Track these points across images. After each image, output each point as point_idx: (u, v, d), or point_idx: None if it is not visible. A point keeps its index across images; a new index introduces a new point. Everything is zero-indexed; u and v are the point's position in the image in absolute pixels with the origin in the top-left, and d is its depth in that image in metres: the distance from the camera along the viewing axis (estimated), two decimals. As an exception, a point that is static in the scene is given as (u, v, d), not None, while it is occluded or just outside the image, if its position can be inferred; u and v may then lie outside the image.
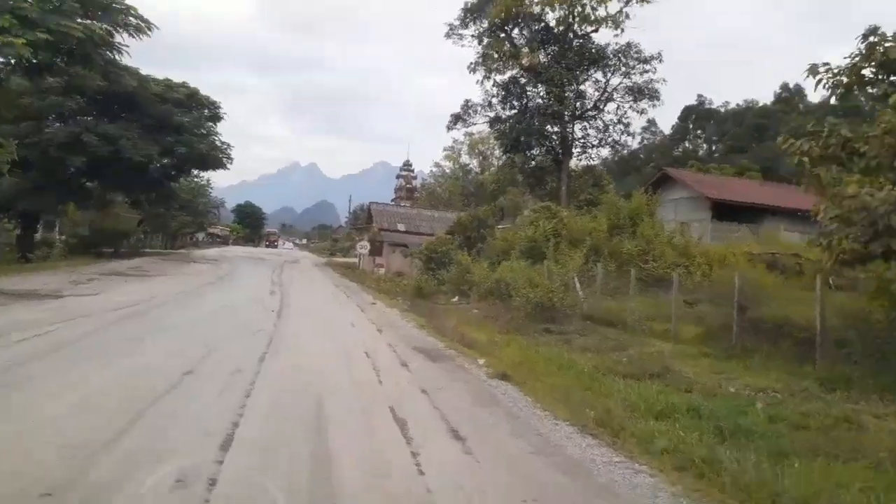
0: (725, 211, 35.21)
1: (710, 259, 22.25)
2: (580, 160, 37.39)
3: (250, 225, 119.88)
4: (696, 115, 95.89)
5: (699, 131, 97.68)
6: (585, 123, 36.47)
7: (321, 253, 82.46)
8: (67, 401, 6.05)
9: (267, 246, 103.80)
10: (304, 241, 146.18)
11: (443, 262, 29.99)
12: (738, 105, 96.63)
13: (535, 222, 27.06)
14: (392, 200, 76.25)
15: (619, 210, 25.48)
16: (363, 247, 37.89)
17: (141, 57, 49.37)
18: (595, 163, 38.36)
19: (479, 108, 37.00)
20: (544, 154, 36.36)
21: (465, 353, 10.94)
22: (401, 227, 42.78)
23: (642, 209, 25.45)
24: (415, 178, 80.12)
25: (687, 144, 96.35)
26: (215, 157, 38.66)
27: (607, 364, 10.28)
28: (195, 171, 46.09)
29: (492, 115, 37.03)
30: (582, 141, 36.57)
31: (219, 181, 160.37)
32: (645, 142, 71.19)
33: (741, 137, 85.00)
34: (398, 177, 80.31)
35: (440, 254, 30.67)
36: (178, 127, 35.31)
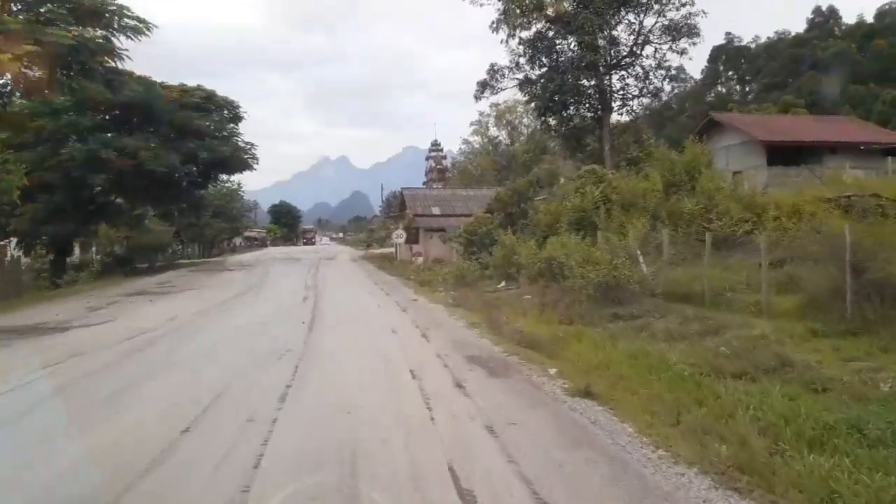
0: (781, 154, 32.45)
1: (782, 210, 20.01)
2: (621, 114, 34.72)
3: (287, 224, 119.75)
4: (726, 56, 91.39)
5: (731, 72, 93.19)
6: (623, 72, 33.57)
7: (357, 246, 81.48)
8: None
9: (305, 244, 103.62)
10: (341, 234, 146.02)
11: (484, 244, 28.36)
12: (769, 38, 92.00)
13: (581, 189, 25.16)
14: (424, 184, 74.62)
15: (672, 165, 23.33)
16: (398, 236, 36.24)
17: (160, 72, 48.09)
18: (633, 116, 35.43)
19: (505, 72, 34.38)
20: (582, 112, 33.82)
21: (531, 360, 9.13)
22: (435, 210, 41.02)
23: (699, 161, 23.21)
24: (444, 157, 78.16)
25: (720, 88, 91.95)
26: (240, 159, 37.50)
27: (705, 357, 8.36)
28: (223, 176, 44.87)
29: (520, 76, 34.45)
30: (621, 93, 33.77)
31: (253, 184, 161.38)
32: (675, 90, 67.54)
33: (777, 73, 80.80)
34: (427, 158, 78.46)
35: (480, 235, 28.95)
36: (198, 132, 34.14)
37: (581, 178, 27.25)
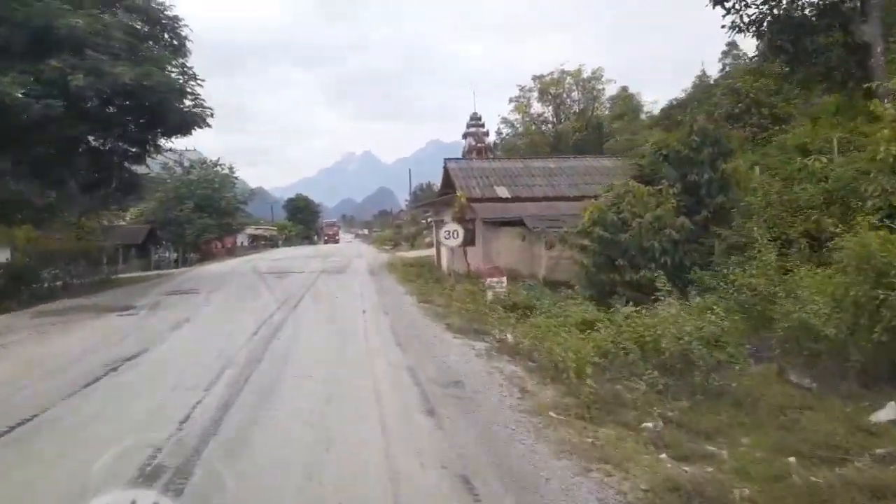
0: None
1: None
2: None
3: (304, 220, 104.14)
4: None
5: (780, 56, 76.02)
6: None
7: (382, 245, 65.76)
8: None
9: (326, 241, 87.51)
10: (366, 231, 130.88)
11: (646, 253, 12.91)
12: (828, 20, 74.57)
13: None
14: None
15: None
16: (451, 234, 19.37)
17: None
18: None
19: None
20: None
21: None
22: (501, 191, 24.93)
23: None
24: (486, 134, 62.42)
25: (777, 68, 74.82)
26: (166, 102, 20.98)
27: None
28: (168, 142, 27.90)
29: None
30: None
31: (278, 181, 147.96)
32: (727, 68, 54.16)
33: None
34: (465, 136, 62.08)
35: (636, 233, 13.37)
36: (73, 42, 18.18)
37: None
